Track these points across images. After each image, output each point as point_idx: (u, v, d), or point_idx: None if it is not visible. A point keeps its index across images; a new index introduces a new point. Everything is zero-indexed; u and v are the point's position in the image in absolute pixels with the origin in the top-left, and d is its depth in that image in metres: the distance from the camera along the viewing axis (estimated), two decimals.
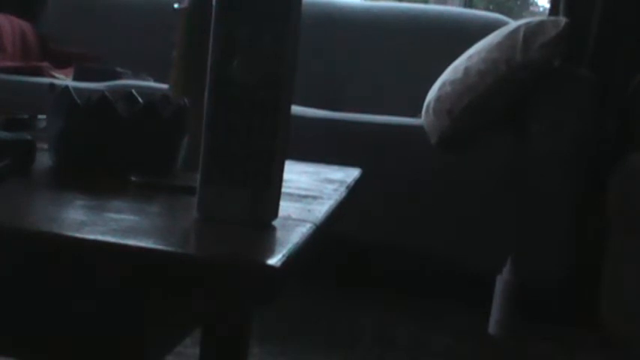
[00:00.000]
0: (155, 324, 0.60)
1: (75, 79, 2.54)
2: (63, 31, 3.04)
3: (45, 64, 2.72)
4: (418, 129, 2.13)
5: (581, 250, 2.14)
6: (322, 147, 2.10)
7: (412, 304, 2.18)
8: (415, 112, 2.29)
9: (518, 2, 4.32)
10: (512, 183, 2.07)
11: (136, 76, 2.57)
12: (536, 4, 4.13)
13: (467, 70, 2.05)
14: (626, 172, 1.88)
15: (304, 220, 0.69)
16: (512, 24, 2.17)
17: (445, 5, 3.25)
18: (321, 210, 0.76)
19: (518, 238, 2.08)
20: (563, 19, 2.05)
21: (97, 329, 0.58)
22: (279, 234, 0.63)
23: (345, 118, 2.22)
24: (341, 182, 0.99)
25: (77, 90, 0.88)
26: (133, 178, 0.80)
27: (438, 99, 2.07)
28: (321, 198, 0.84)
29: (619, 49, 2.33)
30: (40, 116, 1.08)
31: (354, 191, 1.01)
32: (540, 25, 2.03)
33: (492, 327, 1.95)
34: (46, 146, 0.87)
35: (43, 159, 0.87)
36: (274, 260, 0.53)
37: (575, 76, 2.09)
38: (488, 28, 2.45)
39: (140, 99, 0.95)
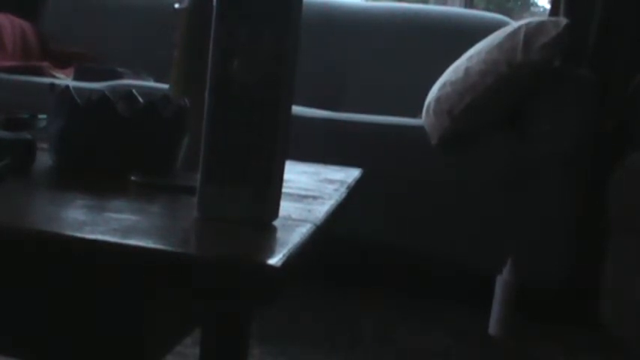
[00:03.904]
0: (155, 324, 0.60)
1: (75, 78, 2.54)
2: (63, 31, 3.04)
3: (45, 63, 2.72)
4: (418, 129, 2.13)
5: (581, 250, 2.14)
6: (322, 147, 2.10)
7: (412, 304, 2.18)
8: (415, 112, 2.29)
9: (519, 3, 4.32)
10: (512, 183, 2.07)
11: (136, 76, 2.57)
12: (537, 5, 4.13)
13: (467, 71, 2.05)
14: (626, 172, 1.88)
15: (304, 221, 0.69)
16: (513, 24, 2.17)
17: (445, 5, 3.25)
18: (321, 210, 0.76)
19: (519, 238, 2.08)
20: (563, 20, 2.05)
21: (97, 329, 0.58)
22: (279, 234, 0.63)
23: (345, 118, 2.22)
24: (341, 182, 0.99)
25: (77, 90, 0.88)
26: (133, 178, 0.80)
27: (439, 99, 2.07)
28: (322, 198, 0.84)
29: (619, 49, 2.33)
30: (40, 116, 1.08)
31: (355, 191, 1.01)
32: (541, 25, 2.03)
33: (492, 327, 1.95)
34: (46, 146, 0.87)
35: (44, 159, 0.87)
36: (275, 260, 0.53)
37: (575, 76, 2.09)
38: (489, 28, 2.46)
39: (140, 99, 0.95)
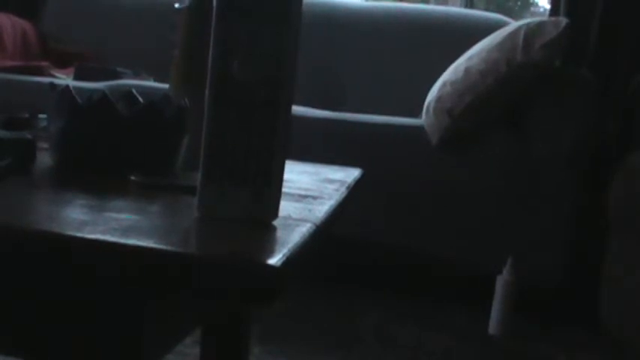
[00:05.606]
0: (155, 324, 0.60)
1: (75, 78, 2.55)
2: (63, 30, 3.04)
3: (45, 63, 2.72)
4: (418, 129, 2.13)
5: (581, 250, 2.14)
6: (322, 147, 2.10)
7: (412, 304, 2.18)
8: (415, 112, 2.29)
9: (519, 3, 4.33)
10: (512, 183, 2.07)
11: (137, 76, 2.57)
12: (537, 5, 4.14)
13: (467, 71, 2.05)
14: (626, 172, 1.88)
15: (305, 220, 0.69)
16: (513, 24, 2.17)
17: (445, 5, 3.25)
18: (321, 210, 0.76)
19: (519, 238, 2.07)
20: (563, 20, 2.05)
21: (97, 329, 0.58)
22: (279, 234, 0.63)
23: (345, 118, 2.22)
24: (341, 182, 0.99)
25: (78, 89, 0.88)
26: (133, 178, 0.80)
27: (439, 99, 2.07)
28: (322, 198, 0.84)
29: (619, 49, 2.33)
30: (40, 115, 1.08)
31: (355, 191, 1.01)
32: (541, 25, 2.03)
33: (492, 327, 1.95)
34: (46, 145, 0.87)
35: (44, 158, 0.87)
36: (275, 260, 0.53)
37: (576, 77, 2.09)
38: (489, 28, 2.45)
39: (140, 99, 0.95)
